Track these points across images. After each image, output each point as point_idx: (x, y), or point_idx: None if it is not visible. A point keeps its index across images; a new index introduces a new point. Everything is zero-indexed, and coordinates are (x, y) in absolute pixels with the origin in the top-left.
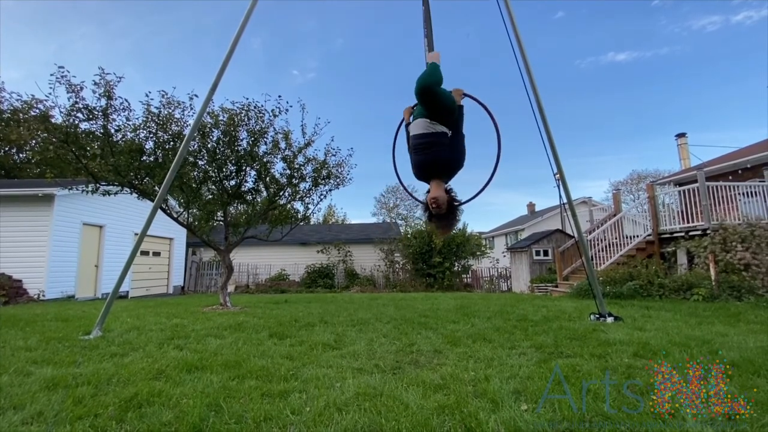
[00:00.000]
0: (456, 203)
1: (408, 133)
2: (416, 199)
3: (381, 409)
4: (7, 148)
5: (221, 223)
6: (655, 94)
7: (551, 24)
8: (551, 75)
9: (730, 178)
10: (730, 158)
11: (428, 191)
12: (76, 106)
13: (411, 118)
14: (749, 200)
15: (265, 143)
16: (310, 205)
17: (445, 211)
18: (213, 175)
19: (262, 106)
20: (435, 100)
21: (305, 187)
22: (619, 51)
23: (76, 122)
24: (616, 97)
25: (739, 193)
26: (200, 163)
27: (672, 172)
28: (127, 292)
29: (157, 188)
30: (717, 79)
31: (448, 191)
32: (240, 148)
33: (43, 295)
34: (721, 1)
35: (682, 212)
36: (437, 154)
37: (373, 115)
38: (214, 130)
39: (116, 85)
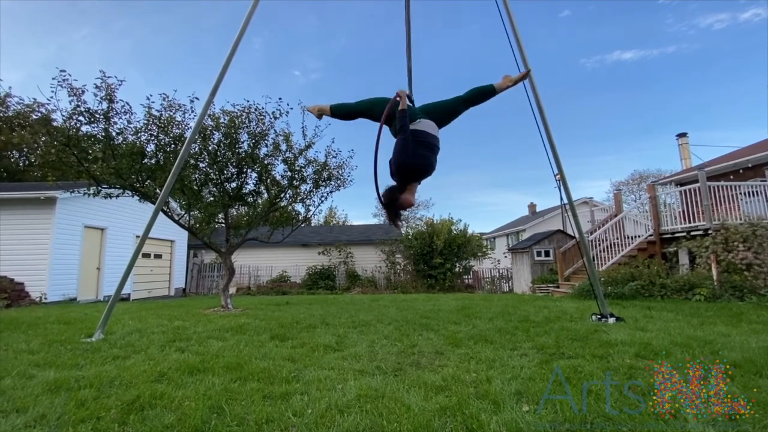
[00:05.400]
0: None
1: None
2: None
3: (382, 411)
4: (9, 152)
5: (222, 225)
6: (656, 94)
7: (557, 22)
8: (557, 74)
9: (732, 177)
10: (732, 158)
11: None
12: (78, 109)
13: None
14: (751, 200)
15: (266, 145)
16: (311, 207)
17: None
18: (214, 177)
19: (262, 108)
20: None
21: (306, 189)
22: (625, 49)
23: (78, 125)
24: (618, 96)
25: (740, 193)
26: (201, 165)
27: (673, 172)
28: (129, 294)
29: (158, 191)
30: (719, 78)
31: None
32: (241, 150)
33: (45, 298)
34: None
35: (683, 212)
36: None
37: None
38: (215, 132)
39: (117, 89)
